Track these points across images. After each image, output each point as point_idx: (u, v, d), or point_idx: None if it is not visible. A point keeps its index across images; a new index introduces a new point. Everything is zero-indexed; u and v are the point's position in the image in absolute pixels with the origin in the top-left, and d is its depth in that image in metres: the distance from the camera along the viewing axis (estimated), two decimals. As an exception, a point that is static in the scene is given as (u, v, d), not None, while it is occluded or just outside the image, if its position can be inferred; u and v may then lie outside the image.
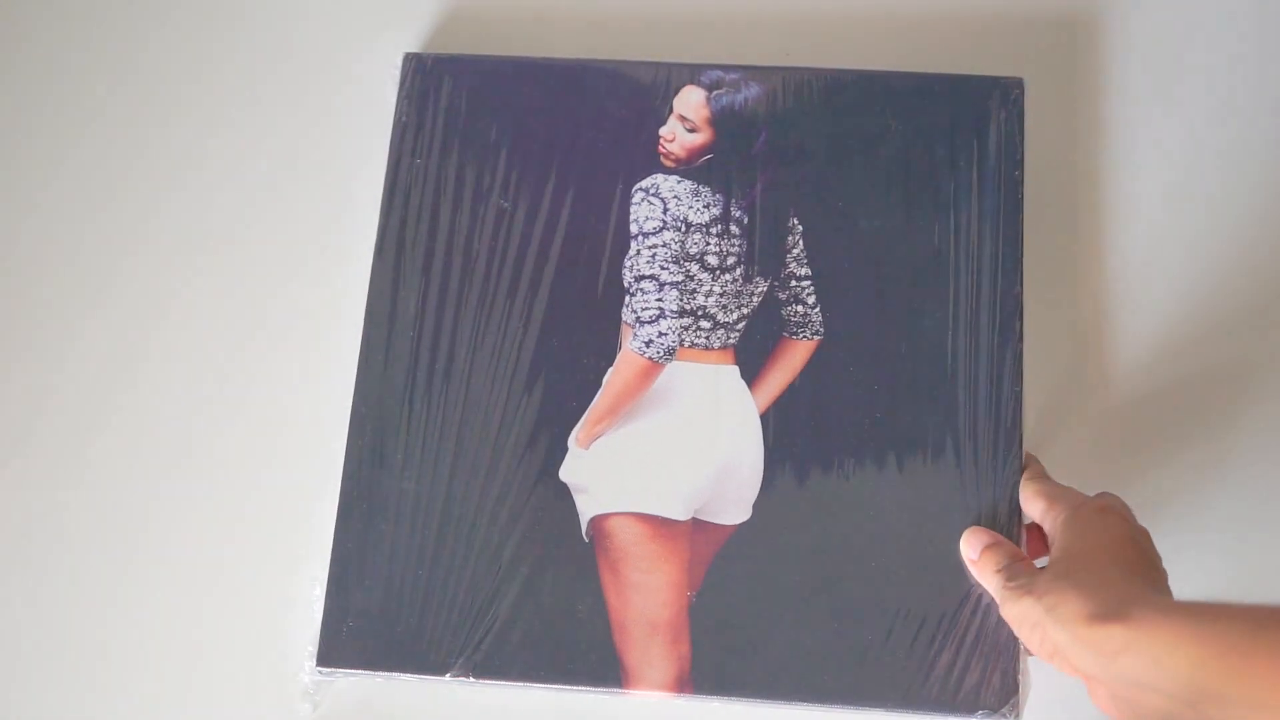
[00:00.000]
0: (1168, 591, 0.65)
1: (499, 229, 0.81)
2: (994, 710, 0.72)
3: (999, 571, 0.69)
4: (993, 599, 0.70)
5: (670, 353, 0.78)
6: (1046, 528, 0.70)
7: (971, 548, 0.72)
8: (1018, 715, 0.72)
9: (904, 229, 0.80)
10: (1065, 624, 0.61)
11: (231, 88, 0.88)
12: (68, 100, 0.88)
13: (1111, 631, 0.59)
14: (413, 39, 0.88)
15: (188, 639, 0.77)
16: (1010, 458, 0.75)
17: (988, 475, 0.75)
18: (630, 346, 0.78)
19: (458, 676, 0.73)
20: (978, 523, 0.74)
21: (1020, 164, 0.81)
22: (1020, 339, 0.78)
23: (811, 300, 0.79)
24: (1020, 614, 0.65)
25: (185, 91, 0.88)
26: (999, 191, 0.80)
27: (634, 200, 0.81)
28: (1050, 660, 0.63)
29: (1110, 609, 0.60)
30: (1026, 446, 0.77)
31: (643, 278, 0.79)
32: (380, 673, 0.74)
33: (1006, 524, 0.74)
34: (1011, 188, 0.80)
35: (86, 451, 0.81)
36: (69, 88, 0.89)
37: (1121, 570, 0.63)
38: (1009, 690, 0.72)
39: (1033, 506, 0.72)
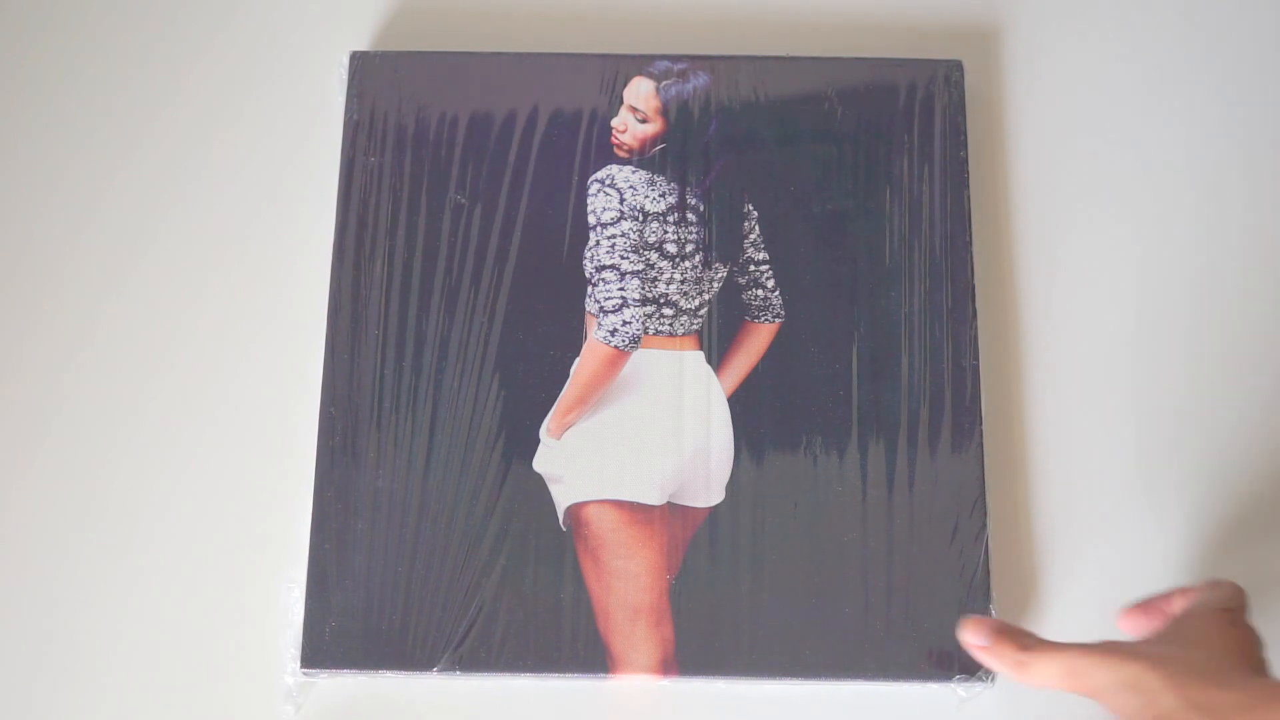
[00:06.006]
0: None
1: (457, 225, 0.81)
2: (971, 674, 0.74)
3: (1027, 649, 0.65)
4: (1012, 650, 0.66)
5: (635, 340, 0.79)
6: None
7: (978, 635, 0.67)
8: (993, 678, 0.74)
9: (856, 211, 0.82)
10: (1177, 688, 0.58)
11: (173, 94, 0.87)
12: (11, 104, 0.87)
13: (1229, 695, 0.57)
14: (358, 37, 0.87)
15: (166, 645, 0.76)
16: (971, 431, 0.78)
17: (949, 449, 0.77)
18: (595, 336, 0.79)
19: (444, 671, 0.73)
20: (945, 497, 0.76)
21: (964, 144, 0.83)
22: (975, 315, 0.80)
23: (771, 284, 0.81)
24: (1124, 679, 0.60)
25: (124, 99, 0.87)
26: (945, 172, 0.83)
27: (590, 192, 0.82)
28: None
29: (1226, 677, 0.58)
30: (985, 420, 0.79)
31: (604, 268, 0.80)
32: (366, 672, 0.74)
33: (971, 499, 0.76)
34: (957, 167, 0.83)
35: (58, 460, 0.80)
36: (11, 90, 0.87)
37: (1245, 666, 0.62)
38: (984, 654, 0.74)
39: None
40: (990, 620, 0.68)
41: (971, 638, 0.68)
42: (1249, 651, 0.64)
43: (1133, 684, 0.60)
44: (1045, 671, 0.64)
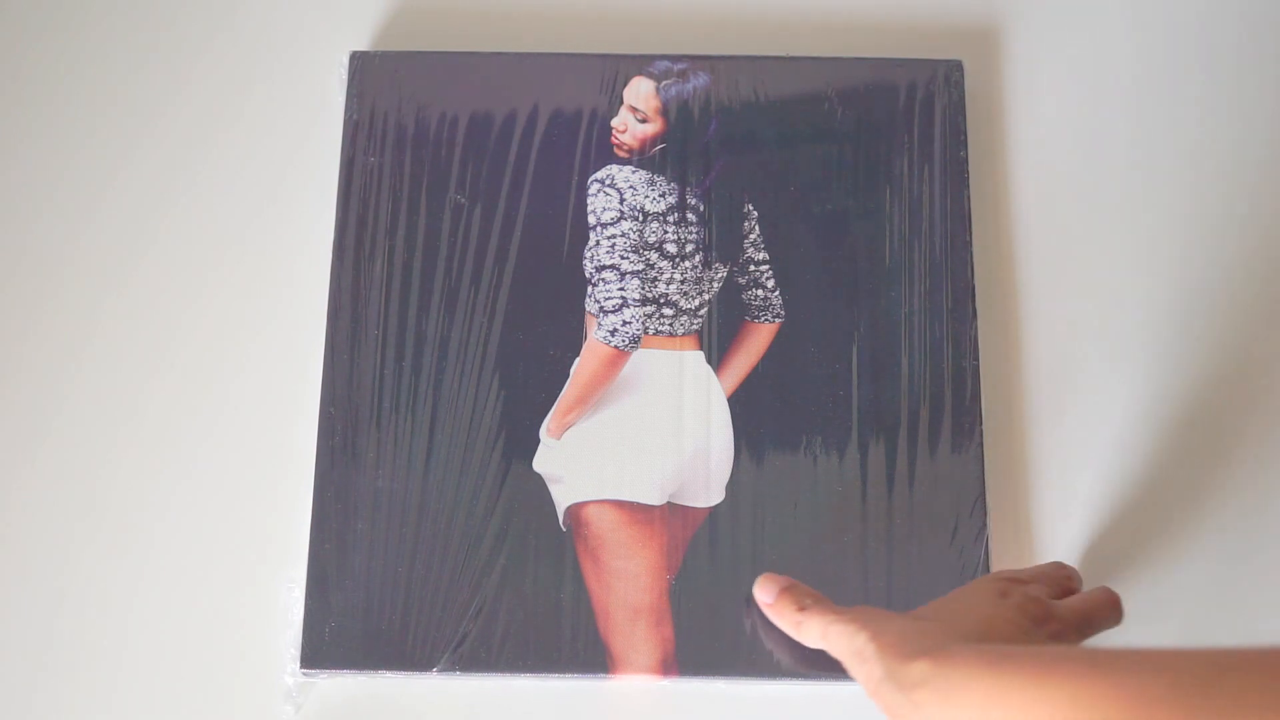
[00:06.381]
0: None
1: (457, 224, 0.81)
2: (971, 674, 0.73)
3: (804, 609, 0.67)
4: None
5: (635, 340, 0.79)
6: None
7: (766, 592, 0.70)
8: (993, 678, 0.74)
9: (856, 211, 0.82)
10: (884, 658, 0.59)
11: (173, 94, 0.87)
12: (11, 104, 0.87)
13: (916, 666, 0.57)
14: (358, 37, 0.87)
15: (167, 645, 0.76)
16: (971, 431, 0.78)
17: (949, 449, 0.77)
18: (595, 336, 0.79)
19: (444, 671, 0.73)
20: (945, 497, 0.76)
21: (964, 144, 0.83)
22: (975, 315, 0.80)
23: (771, 284, 0.81)
24: (855, 648, 0.62)
25: (124, 99, 0.87)
26: (945, 172, 0.83)
27: (590, 192, 0.82)
28: (876, 700, 0.60)
29: (930, 646, 0.58)
30: (985, 420, 0.79)
31: (604, 268, 0.80)
32: (366, 672, 0.74)
33: (971, 499, 0.76)
34: (957, 168, 0.83)
35: (58, 460, 0.80)
36: (11, 90, 0.87)
37: (977, 632, 0.62)
38: (984, 654, 0.74)
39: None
40: (780, 578, 0.70)
41: (760, 594, 0.71)
42: (1011, 621, 0.63)
43: (859, 653, 0.61)
44: (811, 633, 0.66)
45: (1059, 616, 0.65)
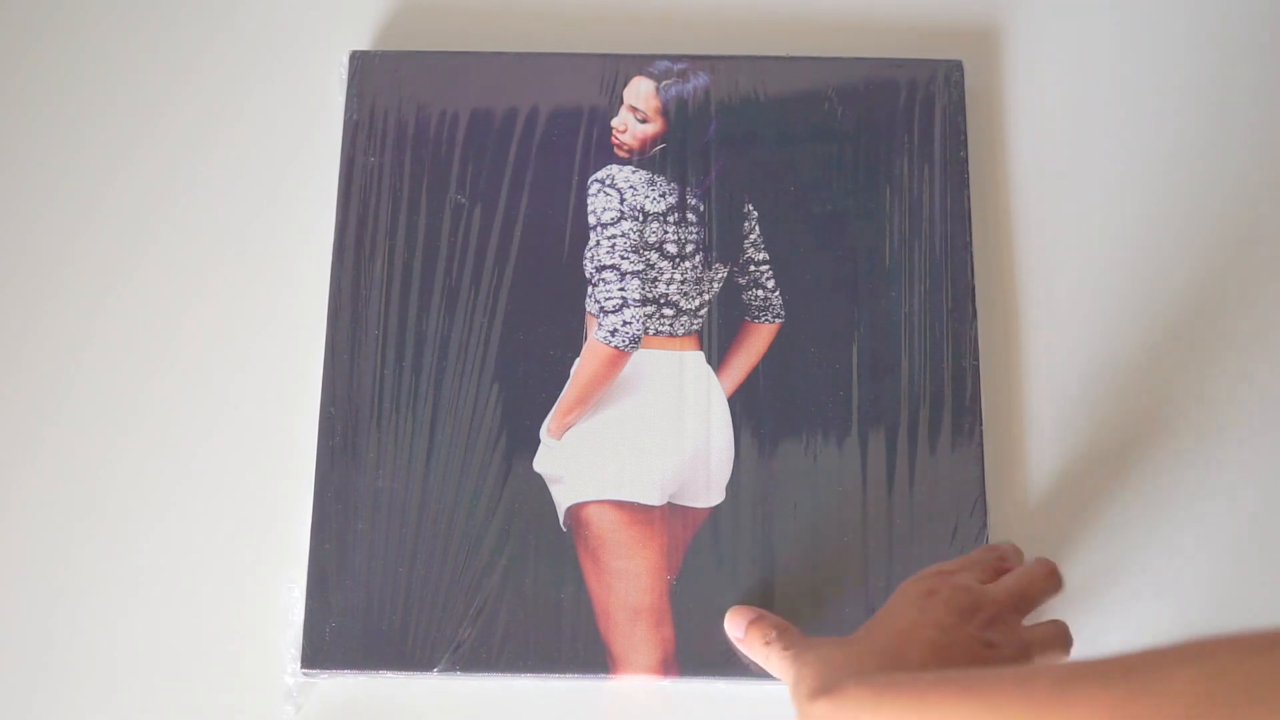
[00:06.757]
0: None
1: (457, 225, 0.81)
2: (971, 674, 0.73)
3: (769, 644, 0.69)
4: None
5: (635, 341, 0.79)
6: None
7: (736, 626, 0.72)
8: (993, 678, 0.74)
9: (856, 211, 0.82)
10: (797, 696, 0.61)
11: (173, 94, 0.87)
12: (12, 104, 0.87)
13: (818, 705, 0.59)
14: (358, 37, 0.87)
15: (167, 645, 0.76)
16: (971, 431, 0.78)
17: (949, 449, 0.77)
18: (596, 336, 0.79)
19: (444, 671, 0.73)
20: (945, 497, 0.76)
21: (964, 144, 0.83)
22: (975, 315, 0.80)
23: (771, 284, 0.81)
24: (788, 684, 0.64)
25: (124, 99, 0.87)
26: (945, 172, 0.83)
27: (590, 192, 0.82)
28: None
29: (830, 683, 0.60)
30: (985, 420, 0.79)
31: (604, 268, 0.80)
32: (366, 672, 0.74)
33: (971, 499, 0.76)
34: (957, 167, 0.83)
35: (58, 460, 0.80)
36: (11, 90, 0.87)
37: (892, 648, 0.62)
38: (984, 654, 0.74)
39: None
40: (747, 611, 0.72)
41: (730, 630, 0.73)
42: (936, 623, 0.63)
43: (789, 688, 0.64)
44: (773, 667, 0.68)
45: (992, 600, 0.65)
